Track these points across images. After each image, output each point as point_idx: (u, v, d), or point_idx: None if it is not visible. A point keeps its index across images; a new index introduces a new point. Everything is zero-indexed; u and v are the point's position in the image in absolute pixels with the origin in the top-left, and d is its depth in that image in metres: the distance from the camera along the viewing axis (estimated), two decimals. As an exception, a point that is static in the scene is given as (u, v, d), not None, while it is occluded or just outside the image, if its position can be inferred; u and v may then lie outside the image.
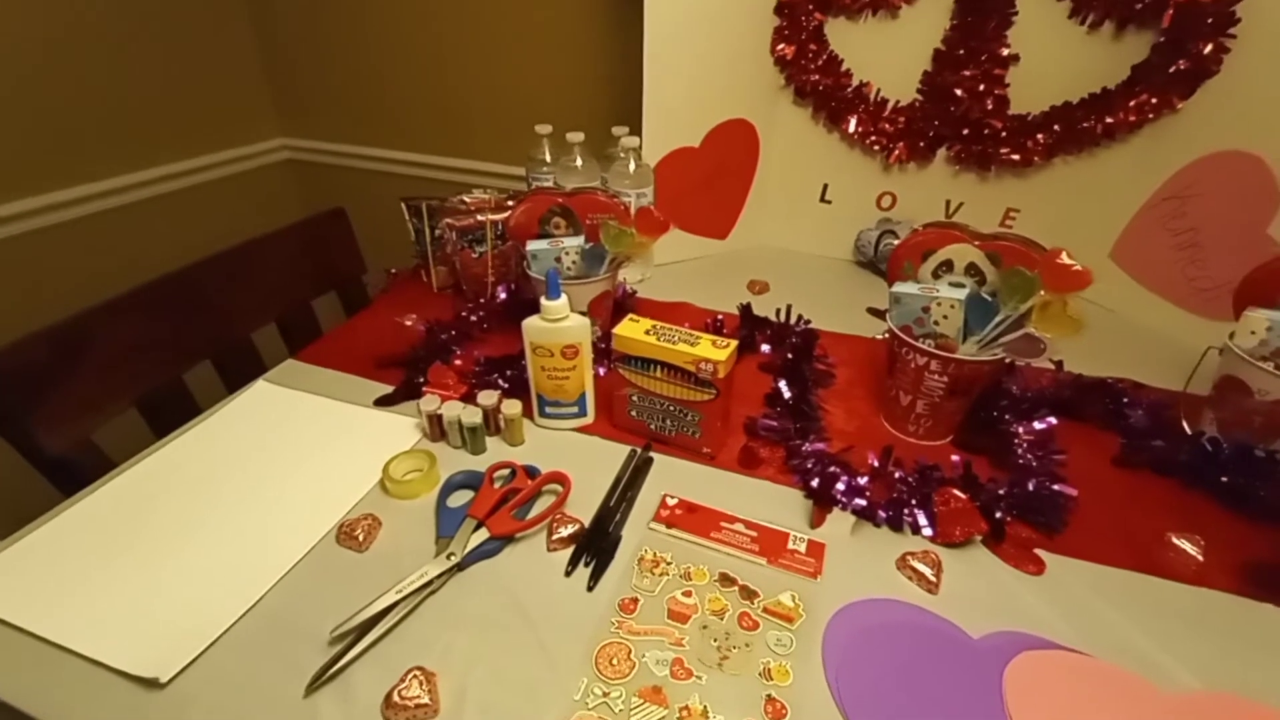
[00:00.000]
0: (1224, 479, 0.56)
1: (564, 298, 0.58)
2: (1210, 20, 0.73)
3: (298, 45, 1.39)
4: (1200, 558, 0.51)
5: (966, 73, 0.87)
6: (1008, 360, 0.58)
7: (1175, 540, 0.52)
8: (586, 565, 0.50)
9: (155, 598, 0.47)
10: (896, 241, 0.96)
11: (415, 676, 0.40)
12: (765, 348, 0.78)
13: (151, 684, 0.41)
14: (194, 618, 0.45)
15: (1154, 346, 0.80)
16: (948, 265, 0.60)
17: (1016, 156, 0.89)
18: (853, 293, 0.94)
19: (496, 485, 0.56)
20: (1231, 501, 0.55)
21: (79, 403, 0.66)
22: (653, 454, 0.62)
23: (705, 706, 0.40)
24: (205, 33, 1.31)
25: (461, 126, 1.31)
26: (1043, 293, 0.52)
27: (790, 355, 0.74)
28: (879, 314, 0.89)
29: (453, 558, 0.49)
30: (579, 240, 0.73)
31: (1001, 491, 0.54)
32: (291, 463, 0.60)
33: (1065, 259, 0.50)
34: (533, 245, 0.72)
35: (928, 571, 0.49)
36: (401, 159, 1.41)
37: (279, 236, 0.92)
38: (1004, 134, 0.89)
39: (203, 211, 1.37)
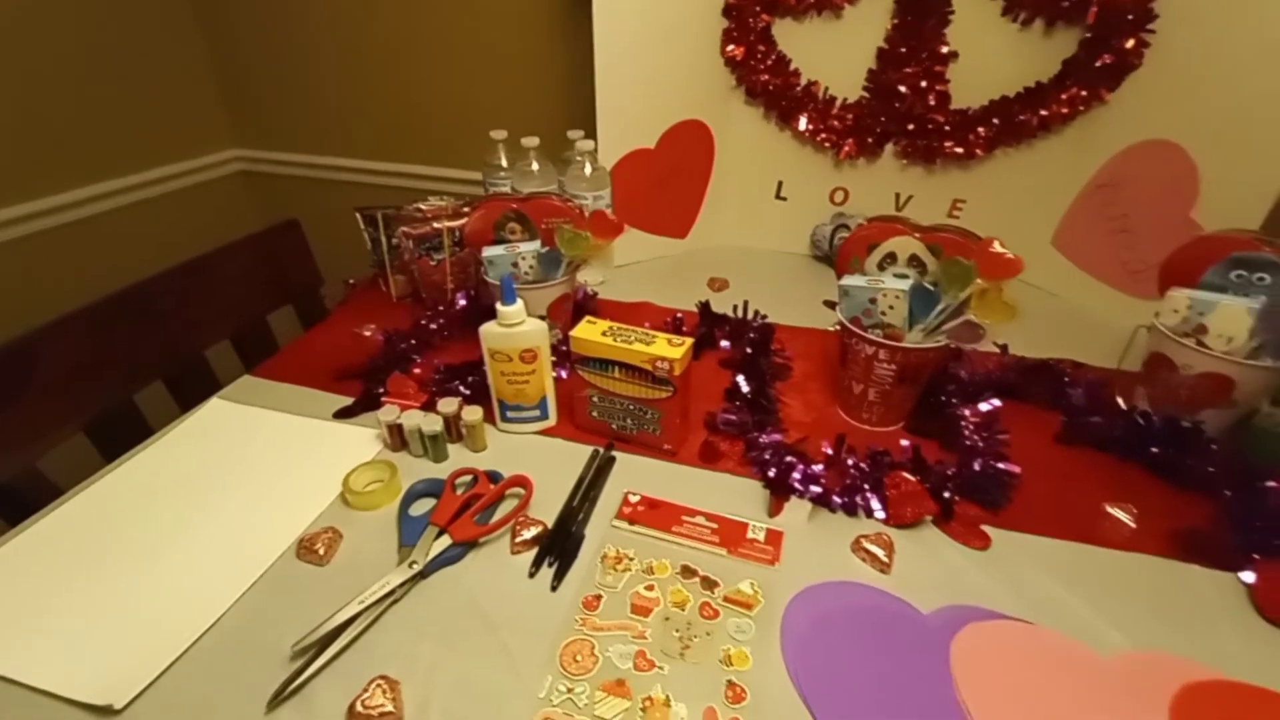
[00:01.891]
0: (1154, 450, 0.59)
1: (519, 303, 0.59)
2: (1131, 16, 0.77)
3: (250, 55, 1.36)
4: (1133, 525, 0.53)
5: (909, 70, 0.90)
6: (952, 346, 0.60)
7: (1110, 510, 0.55)
8: (550, 566, 0.51)
9: (107, 623, 0.46)
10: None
11: (379, 685, 0.40)
12: (724, 344, 0.80)
13: (105, 711, 0.40)
14: (149, 641, 0.44)
15: (1093, 327, 0.83)
16: (892, 257, 0.62)
17: (960, 149, 0.92)
18: (810, 286, 0.96)
19: (458, 492, 0.56)
20: (1161, 471, 0.59)
21: (23, 429, 0.64)
22: (615, 453, 0.63)
23: (668, 695, 0.41)
24: (153, 44, 1.28)
25: (416, 133, 1.31)
26: (979, 280, 0.55)
27: (748, 350, 0.75)
28: (833, 306, 0.91)
29: (415, 566, 0.49)
30: (535, 245, 0.73)
31: (950, 472, 0.56)
32: (248, 480, 0.60)
33: (998, 248, 0.53)
34: (489, 251, 0.72)
35: (880, 553, 0.50)
36: (356, 167, 1.39)
37: (232, 250, 0.90)
38: (947, 128, 0.92)
39: (153, 227, 1.33)
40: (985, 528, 0.54)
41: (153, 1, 1.26)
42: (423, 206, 0.87)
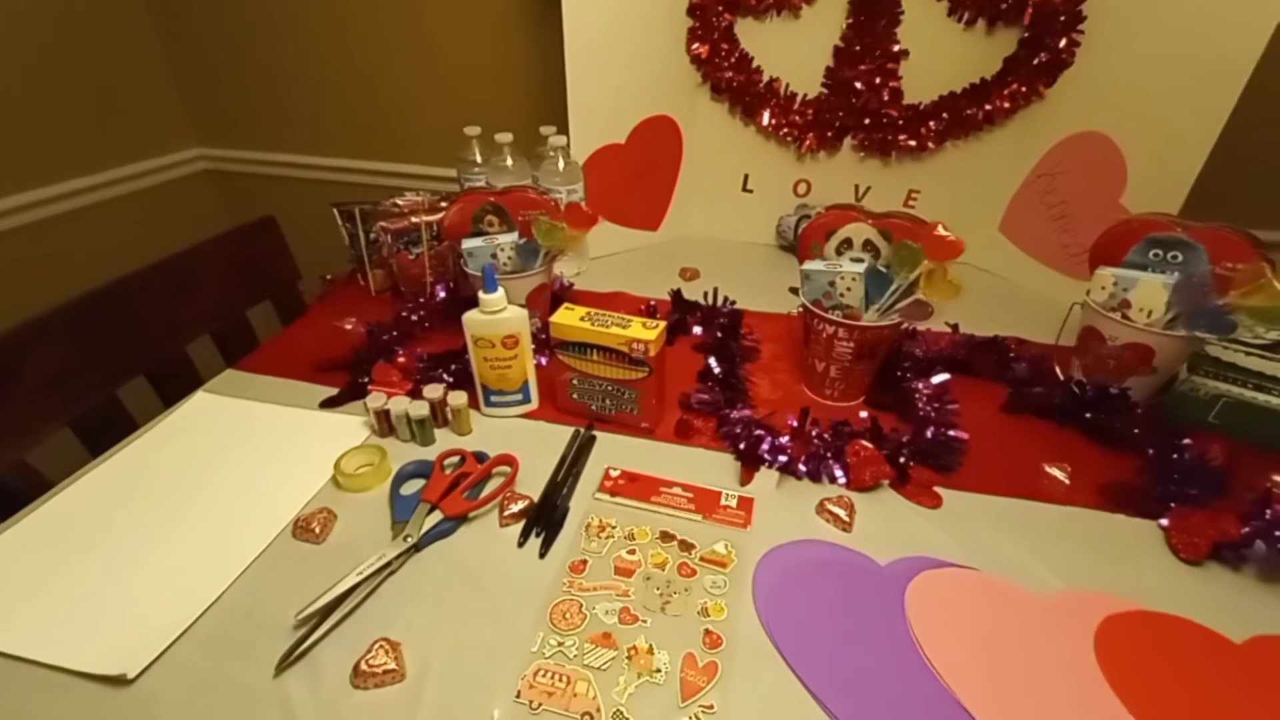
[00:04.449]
0: (1088, 416, 0.65)
1: (501, 290, 0.62)
2: (1063, 18, 0.83)
3: (211, 53, 1.35)
4: (1067, 482, 0.59)
5: (863, 67, 0.95)
6: (904, 325, 0.65)
7: (1048, 469, 0.60)
8: (538, 536, 0.54)
9: (112, 603, 0.48)
10: (813, 225, 1.04)
11: (381, 646, 0.43)
12: (697, 329, 0.84)
13: (118, 682, 0.42)
14: (155, 617, 0.46)
15: (1036, 306, 0.89)
16: (848, 243, 0.67)
17: (913, 143, 0.98)
18: (775, 274, 1.01)
19: (447, 471, 0.59)
20: (1094, 434, 0.65)
21: (9, 427, 0.65)
22: (595, 432, 0.66)
23: (650, 645, 0.45)
24: (109, 41, 1.26)
25: (389, 131, 1.31)
26: (927, 262, 0.59)
27: (719, 334, 0.80)
28: (798, 292, 0.96)
29: (409, 539, 0.51)
30: (513, 236, 0.76)
31: (904, 440, 0.61)
32: (240, 467, 0.61)
33: (942, 231, 0.58)
34: (468, 243, 0.75)
35: (842, 514, 0.55)
36: (327, 165, 1.39)
37: (208, 247, 0.91)
38: (900, 122, 0.97)
39: (116, 227, 1.31)
40: (938, 489, 0.59)
41: (110, -2, 1.24)
42: (399, 202, 0.89)
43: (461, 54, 1.20)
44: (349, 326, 0.83)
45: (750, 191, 1.11)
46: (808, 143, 1.02)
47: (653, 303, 0.86)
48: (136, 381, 0.79)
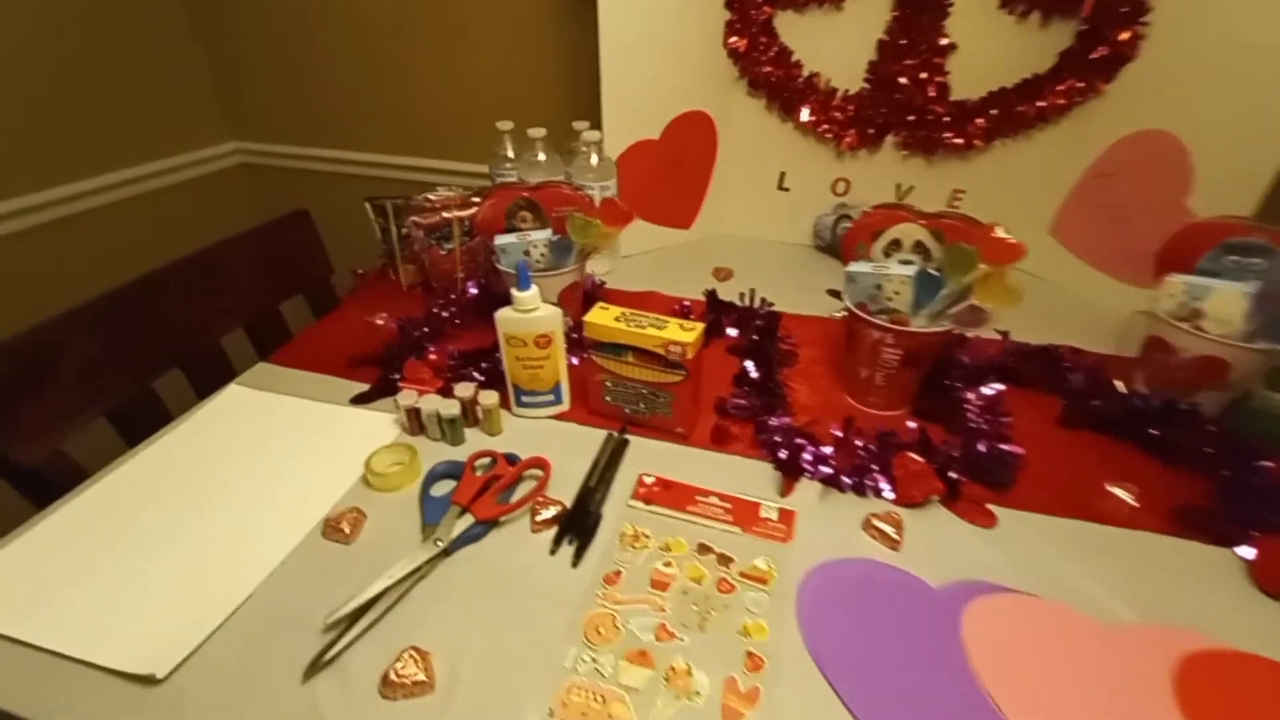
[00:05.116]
0: (1153, 432, 0.61)
1: (535, 288, 0.60)
2: (1125, 9, 0.78)
3: (246, 48, 1.36)
4: (1134, 503, 0.55)
5: (909, 62, 0.91)
6: (955, 331, 0.62)
7: (1111, 489, 0.57)
8: (570, 544, 0.52)
9: (145, 598, 0.47)
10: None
11: (410, 655, 0.42)
12: (731, 331, 0.81)
13: (148, 681, 0.41)
14: (186, 614, 0.45)
15: (1090, 314, 0.85)
16: (896, 244, 0.64)
17: (959, 140, 0.94)
18: (812, 276, 0.98)
19: (478, 473, 0.58)
20: (1159, 452, 0.61)
21: (47, 416, 0.65)
22: (629, 436, 0.64)
23: (689, 665, 0.42)
24: (146, 37, 1.27)
25: (421, 126, 1.31)
26: (983, 266, 0.56)
27: (755, 337, 0.77)
28: (837, 295, 0.93)
29: (440, 543, 0.50)
30: (546, 233, 0.74)
31: (955, 454, 0.58)
32: (271, 462, 0.61)
33: (1000, 233, 0.54)
34: (501, 239, 0.73)
35: (890, 530, 0.52)
36: (360, 160, 1.40)
37: (242, 240, 0.91)
38: (946, 119, 0.93)
39: (152, 221, 1.33)
40: (991, 506, 0.55)
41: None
42: (431, 197, 0.88)
43: (494, 49, 1.19)
44: (380, 322, 0.82)
45: (786, 190, 1.08)
46: (848, 140, 0.99)
47: (686, 303, 0.84)
48: (172, 373, 0.79)
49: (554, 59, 1.15)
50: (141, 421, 0.67)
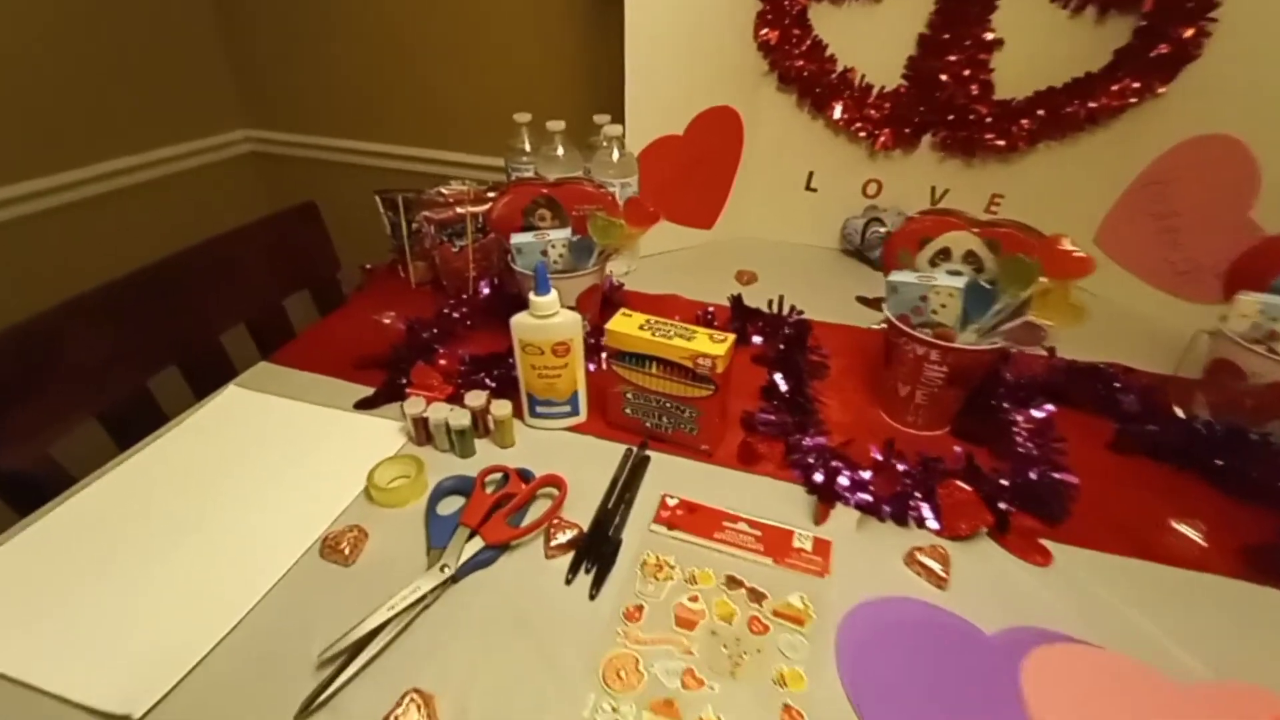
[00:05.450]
0: (1219, 462, 0.56)
1: (554, 293, 0.56)
2: (1191, 4, 0.73)
3: (262, 30, 1.32)
4: (1203, 543, 0.51)
5: (951, 58, 0.86)
6: (1012, 349, 0.57)
7: (1177, 526, 0.52)
8: (587, 572, 0.48)
9: (124, 625, 0.43)
10: (884, 229, 0.96)
11: (413, 700, 0.38)
12: (757, 339, 0.77)
13: (123, 720, 0.38)
14: (168, 646, 0.42)
15: (1138, 330, 0.80)
16: (945, 253, 0.59)
17: (1001, 142, 0.89)
18: (840, 281, 0.94)
19: (488, 491, 0.54)
20: (1227, 485, 0.56)
21: (34, 415, 0.62)
22: (649, 452, 0.60)
23: (719, 717, 0.38)
24: (160, 17, 1.24)
25: (436, 116, 1.27)
26: (1043, 280, 0.51)
27: (782, 347, 0.73)
28: (868, 302, 0.88)
29: (446, 570, 0.46)
30: (565, 233, 0.70)
31: (1004, 482, 0.53)
32: (268, 472, 0.57)
33: (1068, 245, 0.50)
34: (517, 239, 0.69)
35: (936, 567, 0.48)
36: (372, 150, 1.36)
37: (246, 232, 0.87)
38: (989, 119, 0.88)
39: (158, 208, 1.30)
40: (1043, 541, 0.51)
41: (163, -26, 1.22)
42: (444, 191, 0.84)
43: (513, 37, 1.14)
44: (387, 321, 0.79)
45: (814, 190, 1.03)
46: (882, 139, 0.94)
47: (710, 309, 0.80)
48: (168, 372, 0.76)
49: (575, 49, 1.11)
50: (135, 422, 0.64)
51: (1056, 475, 0.54)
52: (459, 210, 0.81)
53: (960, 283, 0.57)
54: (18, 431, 0.60)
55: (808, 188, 1.03)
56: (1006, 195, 0.94)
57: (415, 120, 1.29)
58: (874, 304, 0.88)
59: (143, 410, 0.70)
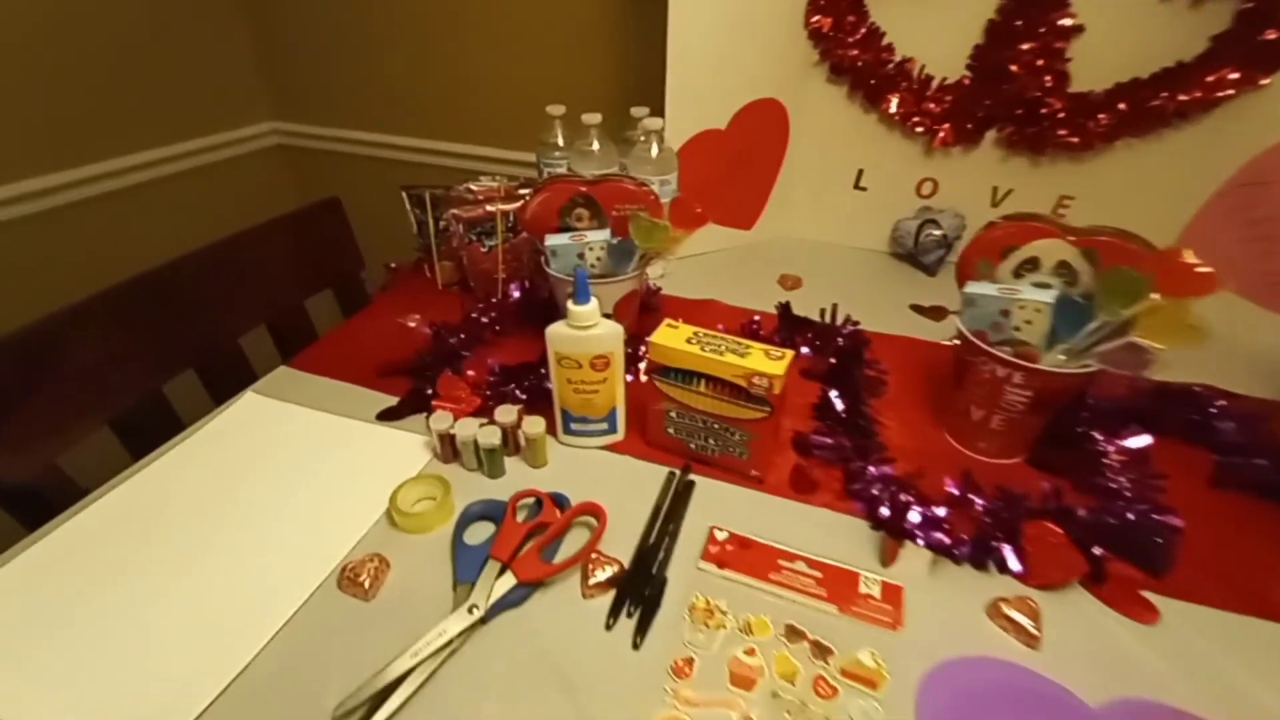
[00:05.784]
0: (1344, 506, 0.49)
1: (594, 302, 0.51)
2: (1308, -15, 0.65)
3: (289, 21, 1.29)
4: (1335, 602, 0.44)
5: (1023, 47, 0.79)
6: (1114, 373, 0.51)
7: (1303, 581, 0.45)
8: (629, 615, 0.43)
9: (122, 668, 0.40)
10: (938, 232, 0.90)
11: (437, 769, 0.33)
12: (805, 350, 0.71)
13: (118, 779, 0.34)
14: (169, 688, 0.38)
15: (1228, 348, 0.72)
16: (1032, 264, 0.53)
17: (1075, 139, 0.81)
18: (892, 288, 0.87)
19: (520, 518, 0.49)
20: (1354, 532, 0.49)
21: (44, 423, 0.59)
22: (693, 476, 0.55)
23: (786, 802, 0.33)
24: (187, 8, 1.22)
25: (466, 109, 1.23)
26: (1154, 296, 0.45)
27: (833, 360, 0.67)
28: (924, 311, 0.82)
29: (475, 611, 0.42)
30: (604, 234, 0.65)
31: (1107, 520, 0.47)
32: (285, 490, 0.53)
33: (1190, 258, 0.43)
34: (552, 240, 0.65)
35: (1026, 623, 0.42)
36: (400, 144, 1.32)
37: (268, 229, 0.84)
38: (1062, 114, 0.81)
39: (184, 202, 1.28)
40: (1146, 594, 0.45)
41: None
42: (474, 187, 0.80)
43: (548, 26, 1.09)
44: (412, 324, 0.74)
45: (863, 189, 0.97)
46: (941, 135, 0.87)
47: (756, 318, 0.74)
48: (185, 376, 0.73)
49: (613, 39, 1.05)
50: (149, 429, 0.60)
51: (1158, 517, 0.48)
52: (489, 208, 0.76)
53: (1049, 296, 0.50)
54: (22, 441, 0.57)
55: (856, 186, 0.97)
56: (1076, 197, 0.86)
57: (444, 113, 1.25)
58: (930, 313, 0.81)
59: (157, 417, 0.67)
